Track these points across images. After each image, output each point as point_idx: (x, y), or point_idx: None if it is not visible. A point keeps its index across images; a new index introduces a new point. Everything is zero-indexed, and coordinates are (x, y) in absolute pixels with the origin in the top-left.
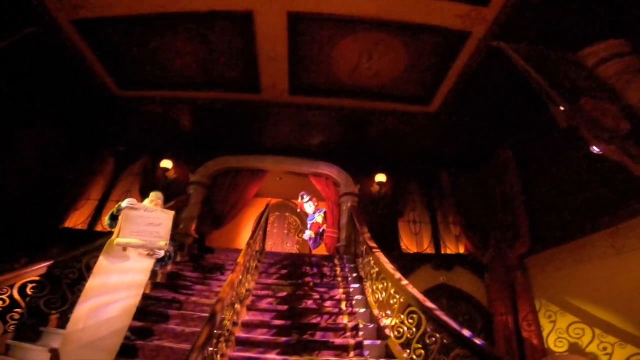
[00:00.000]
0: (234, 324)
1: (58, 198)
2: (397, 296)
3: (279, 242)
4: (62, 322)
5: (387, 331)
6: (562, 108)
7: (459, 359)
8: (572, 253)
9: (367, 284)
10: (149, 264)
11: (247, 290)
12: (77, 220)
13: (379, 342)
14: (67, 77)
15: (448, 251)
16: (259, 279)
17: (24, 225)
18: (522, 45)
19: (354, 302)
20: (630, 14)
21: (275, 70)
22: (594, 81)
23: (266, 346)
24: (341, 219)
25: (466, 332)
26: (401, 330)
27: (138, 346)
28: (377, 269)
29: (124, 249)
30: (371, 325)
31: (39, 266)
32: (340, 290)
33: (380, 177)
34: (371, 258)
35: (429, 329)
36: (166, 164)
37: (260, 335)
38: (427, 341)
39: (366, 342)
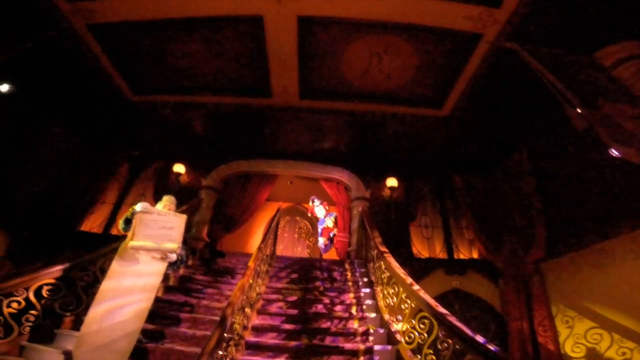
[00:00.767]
0: (244, 327)
1: (74, 202)
2: (409, 301)
3: (290, 247)
4: (77, 324)
5: (398, 336)
6: (578, 110)
7: None
8: (590, 258)
9: (378, 288)
10: (161, 267)
11: (258, 294)
12: (92, 223)
13: (389, 347)
14: (83, 82)
15: (461, 256)
16: (270, 283)
17: (41, 229)
18: (535, 46)
19: (364, 306)
20: None
21: (286, 75)
22: (611, 83)
23: (276, 350)
24: (352, 223)
25: (480, 338)
26: (412, 335)
27: (149, 349)
28: (388, 274)
29: (138, 252)
30: (382, 331)
31: (54, 269)
32: (351, 295)
33: (392, 182)
34: (382, 263)
35: (441, 335)
36: (179, 168)
37: (270, 339)
38: (439, 347)
39: (377, 347)
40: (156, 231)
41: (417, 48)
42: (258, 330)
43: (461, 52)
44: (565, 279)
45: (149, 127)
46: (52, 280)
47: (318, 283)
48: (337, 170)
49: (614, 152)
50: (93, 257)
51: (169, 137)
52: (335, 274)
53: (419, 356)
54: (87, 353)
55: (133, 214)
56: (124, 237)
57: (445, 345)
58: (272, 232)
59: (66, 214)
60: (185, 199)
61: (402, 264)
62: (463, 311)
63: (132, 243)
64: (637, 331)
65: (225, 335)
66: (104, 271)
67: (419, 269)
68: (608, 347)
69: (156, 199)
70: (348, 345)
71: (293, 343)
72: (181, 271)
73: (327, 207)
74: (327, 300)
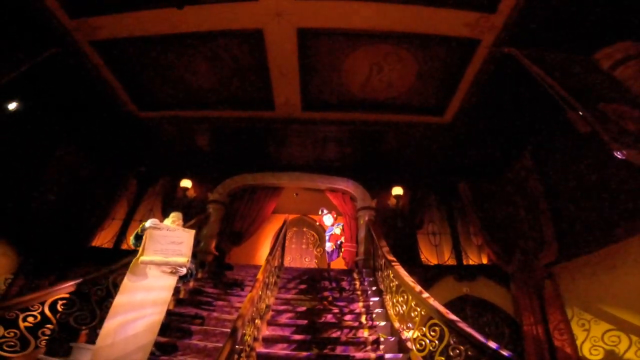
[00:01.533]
0: (255, 339)
1: (85, 218)
2: (418, 309)
3: (298, 258)
4: (91, 338)
5: (409, 344)
6: (580, 113)
7: None
8: (604, 260)
9: (387, 297)
10: (172, 281)
11: (267, 305)
12: (103, 239)
13: (400, 355)
14: (89, 98)
15: (470, 262)
16: (279, 294)
17: (53, 245)
18: (534, 50)
19: (374, 315)
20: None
21: (288, 87)
22: (611, 84)
23: None
24: (359, 233)
25: (492, 344)
26: (423, 343)
27: None
28: (396, 282)
29: (148, 266)
30: (392, 339)
31: (68, 284)
32: (360, 304)
33: (397, 190)
34: (390, 271)
35: (452, 342)
36: (186, 183)
37: (280, 350)
38: (451, 354)
39: (388, 355)
40: (165, 246)
41: (416, 56)
42: (268, 341)
43: (460, 58)
44: (579, 282)
45: (155, 143)
46: (66, 295)
47: (327, 293)
48: (342, 181)
49: (618, 154)
50: (105, 272)
51: (175, 153)
52: (344, 284)
53: None
54: None
55: (143, 230)
56: (134, 252)
57: (457, 352)
58: (279, 244)
59: (77, 230)
60: (193, 214)
61: (411, 272)
62: (475, 317)
63: (142, 258)
64: None
65: (236, 347)
66: (116, 286)
67: (428, 276)
68: (627, 349)
69: (164, 214)
70: (359, 354)
71: (304, 353)
72: (191, 284)
73: (335, 216)
74: (336, 310)
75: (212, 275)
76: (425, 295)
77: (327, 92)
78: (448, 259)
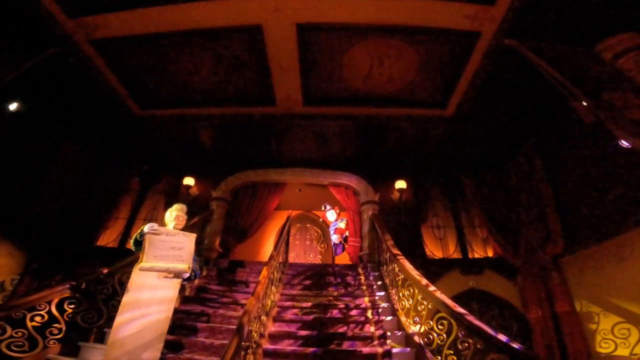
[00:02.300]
0: (261, 335)
1: (89, 218)
2: (425, 302)
3: (302, 254)
4: (100, 337)
5: (416, 338)
6: (584, 103)
7: None
8: (612, 251)
9: (393, 291)
10: (177, 281)
11: (273, 302)
12: (108, 238)
13: (408, 349)
14: (90, 97)
15: (476, 255)
16: (284, 290)
17: (59, 245)
18: (535, 42)
19: (380, 310)
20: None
21: (288, 82)
22: (615, 75)
23: (294, 357)
24: (363, 227)
25: (502, 337)
26: (431, 336)
27: None
28: (402, 276)
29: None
30: (399, 333)
31: (74, 283)
32: (366, 299)
33: (401, 184)
34: (395, 265)
35: (460, 335)
36: (189, 181)
37: (287, 346)
38: (460, 347)
39: (395, 350)
40: (166, 252)
41: (416, 49)
42: (275, 337)
43: (461, 51)
44: (586, 274)
45: (157, 141)
46: (73, 294)
47: (332, 288)
48: (345, 176)
49: (624, 143)
50: (111, 270)
51: (177, 150)
52: (349, 279)
53: (439, 357)
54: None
55: (142, 235)
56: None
57: (466, 345)
58: (283, 240)
59: (82, 229)
60: (196, 211)
61: (416, 266)
62: (482, 311)
63: (142, 264)
64: None
65: (242, 343)
66: (122, 284)
67: (434, 270)
68: (637, 341)
69: None
70: (366, 349)
71: (310, 349)
72: (196, 282)
73: (338, 211)
74: (342, 305)
75: (217, 272)
76: (432, 288)
77: (328, 86)
78: (453, 253)
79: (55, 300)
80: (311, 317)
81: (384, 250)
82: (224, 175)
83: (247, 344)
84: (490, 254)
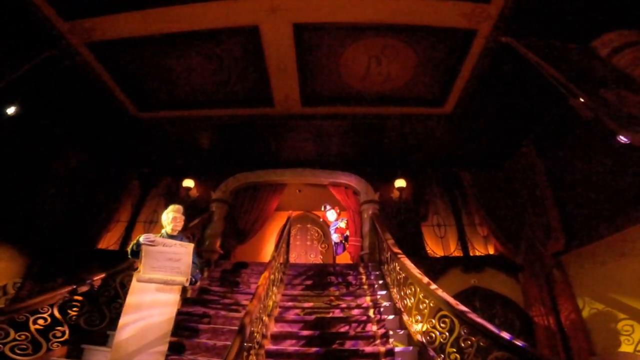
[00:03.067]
0: (264, 336)
1: (90, 221)
2: (427, 301)
3: (303, 254)
4: (103, 339)
5: (418, 337)
6: (581, 100)
7: None
8: (613, 247)
9: (394, 290)
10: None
11: (274, 302)
12: (109, 241)
13: (410, 348)
14: (89, 100)
15: (477, 253)
16: (285, 290)
17: (60, 248)
18: (531, 39)
19: (381, 309)
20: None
21: (286, 83)
22: (611, 71)
23: (296, 357)
24: (363, 227)
25: (505, 334)
26: (433, 335)
27: None
28: (403, 275)
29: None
30: (401, 332)
31: (76, 286)
32: (367, 298)
33: (400, 183)
34: (396, 264)
35: (463, 333)
36: (188, 183)
37: (289, 346)
38: (462, 345)
39: (397, 349)
40: (163, 263)
41: (414, 48)
42: (277, 338)
43: (458, 49)
44: (588, 271)
45: (156, 143)
46: (76, 297)
47: (333, 288)
48: (344, 175)
49: (622, 139)
50: (112, 273)
51: (176, 152)
52: (350, 278)
53: (442, 355)
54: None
55: (138, 245)
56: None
57: (469, 343)
58: (284, 241)
59: (83, 232)
60: (197, 213)
61: (417, 264)
62: (484, 309)
63: (140, 275)
64: None
65: (245, 344)
66: (124, 286)
67: (435, 268)
68: None
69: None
70: (368, 349)
71: (313, 349)
72: (198, 284)
73: (338, 211)
74: (343, 305)
75: (219, 273)
76: (434, 286)
77: (326, 86)
78: (454, 251)
79: (58, 303)
80: (313, 317)
81: (384, 249)
82: (224, 177)
83: (250, 344)
84: (491, 251)
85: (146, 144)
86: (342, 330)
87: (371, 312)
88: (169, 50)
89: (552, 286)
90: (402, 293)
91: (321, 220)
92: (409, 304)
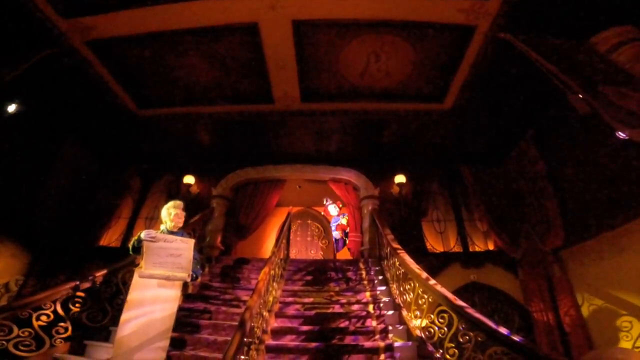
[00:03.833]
0: (264, 331)
1: (91, 218)
2: (426, 296)
3: (303, 250)
4: (105, 335)
5: (417, 332)
6: (580, 96)
7: (497, 357)
8: (612, 243)
9: (394, 285)
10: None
11: (274, 297)
12: (110, 238)
13: (410, 343)
14: (89, 97)
15: (476, 248)
16: (285, 286)
17: (62, 245)
18: (530, 35)
19: (381, 304)
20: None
21: (286, 79)
22: (610, 67)
23: (297, 352)
24: (363, 222)
25: (503, 329)
26: (432, 330)
27: (174, 357)
28: (403, 270)
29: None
30: (401, 327)
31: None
32: (367, 294)
33: (400, 178)
34: (396, 260)
35: (461, 328)
36: (189, 179)
37: (290, 341)
38: (461, 340)
39: (397, 344)
40: (164, 259)
41: (413, 44)
42: (277, 333)
43: (457, 45)
44: (587, 267)
45: (157, 140)
46: (78, 293)
47: (333, 284)
48: (344, 171)
49: (621, 135)
50: (114, 269)
51: (177, 149)
52: (350, 274)
53: (440, 350)
54: (125, 355)
55: (139, 241)
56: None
57: (467, 338)
58: (284, 236)
59: (85, 229)
60: (198, 209)
61: (417, 260)
62: (483, 304)
63: (142, 271)
64: None
65: (245, 339)
66: (125, 283)
67: (435, 264)
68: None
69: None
70: (368, 344)
71: (313, 344)
72: (199, 280)
73: (340, 206)
74: (343, 300)
75: (219, 269)
76: (432, 282)
77: (325, 83)
78: (454, 246)
79: (61, 300)
80: (313, 312)
81: (384, 245)
82: (224, 173)
83: (250, 339)
84: (491, 247)
85: (147, 141)
86: (342, 325)
87: (371, 308)
88: (169, 47)
89: (552, 282)
90: (402, 288)
91: (322, 214)
92: (408, 299)
